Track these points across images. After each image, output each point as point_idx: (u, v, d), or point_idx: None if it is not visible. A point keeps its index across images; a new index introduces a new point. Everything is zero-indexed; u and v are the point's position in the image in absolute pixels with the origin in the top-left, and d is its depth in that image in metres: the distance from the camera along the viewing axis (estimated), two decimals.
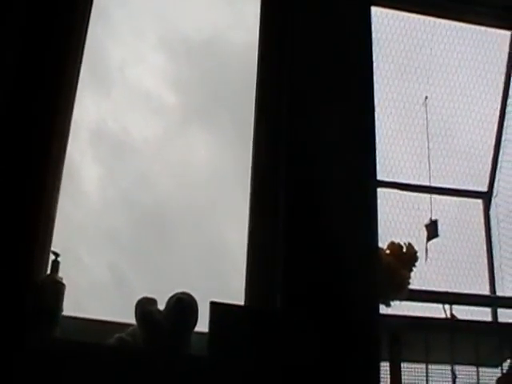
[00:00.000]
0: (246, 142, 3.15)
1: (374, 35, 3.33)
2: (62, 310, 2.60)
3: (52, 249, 2.73)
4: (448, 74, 3.92)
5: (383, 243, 3.26)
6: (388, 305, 3.13)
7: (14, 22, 3.01)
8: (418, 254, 3.30)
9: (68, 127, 3.01)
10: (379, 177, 3.21)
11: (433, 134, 3.80)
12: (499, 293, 3.68)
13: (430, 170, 3.76)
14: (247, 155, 3.12)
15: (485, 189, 3.94)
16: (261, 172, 3.08)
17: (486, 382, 3.25)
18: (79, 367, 2.40)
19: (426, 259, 3.56)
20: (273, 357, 2.59)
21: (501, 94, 3.98)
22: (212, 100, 3.46)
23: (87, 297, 2.93)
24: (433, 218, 3.67)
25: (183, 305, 2.63)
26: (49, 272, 2.67)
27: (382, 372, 2.86)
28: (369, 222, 2.96)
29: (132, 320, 2.64)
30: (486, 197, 3.92)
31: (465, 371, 3.25)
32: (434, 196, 3.77)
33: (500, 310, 3.57)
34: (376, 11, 3.62)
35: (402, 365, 3.09)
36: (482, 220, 3.87)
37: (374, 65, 3.28)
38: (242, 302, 2.87)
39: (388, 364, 3.05)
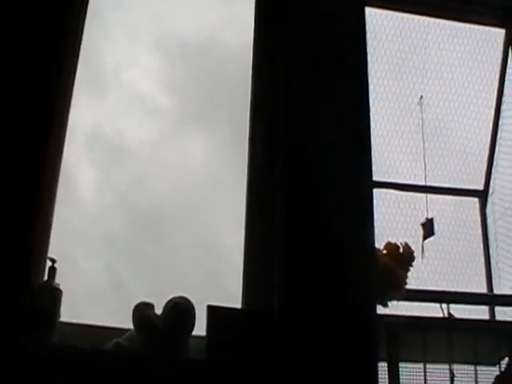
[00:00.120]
0: (241, 143, 3.15)
1: (368, 35, 3.34)
2: (59, 316, 2.61)
3: (49, 255, 2.74)
4: (443, 72, 3.92)
5: (380, 243, 3.27)
6: (385, 305, 3.14)
7: (9, 26, 3.01)
8: (415, 254, 3.31)
9: (64, 132, 3.01)
10: (375, 177, 3.21)
11: (428, 133, 3.81)
12: (496, 291, 3.68)
13: (425, 169, 3.76)
14: (243, 156, 3.12)
15: (481, 187, 3.94)
16: (257, 173, 3.09)
17: (484, 380, 3.24)
18: (77, 373, 2.40)
19: (423, 258, 3.56)
20: (271, 359, 2.60)
21: (495, 92, 3.98)
22: (207, 101, 3.47)
23: (84, 301, 2.93)
24: (429, 217, 3.67)
25: (180, 309, 2.63)
26: (46, 278, 2.67)
27: (380, 372, 2.87)
28: (365, 222, 2.97)
29: (129, 325, 2.65)
30: (482, 195, 3.92)
31: (463, 370, 3.25)
32: (430, 195, 3.77)
33: (497, 308, 3.56)
34: (370, 11, 3.62)
35: (400, 365, 3.09)
36: (479, 218, 3.87)
37: (369, 65, 3.29)
38: (239, 304, 2.87)
39: (386, 364, 3.04)
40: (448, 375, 3.21)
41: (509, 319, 3.49)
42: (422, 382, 3.17)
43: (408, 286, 3.24)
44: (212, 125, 3.45)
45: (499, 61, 3.95)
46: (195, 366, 2.56)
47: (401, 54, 3.85)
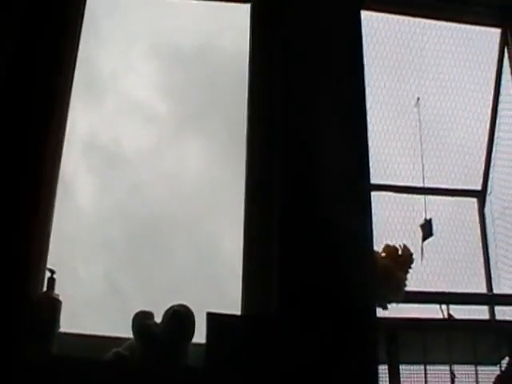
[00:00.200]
0: (239, 147, 3.16)
1: (364, 38, 3.34)
2: (58, 327, 2.62)
3: (48, 265, 2.75)
4: (439, 73, 3.92)
5: (380, 246, 3.27)
6: (385, 308, 3.15)
7: (4, 36, 3.02)
8: (414, 256, 3.31)
9: (62, 140, 3.03)
10: (373, 180, 3.22)
11: (425, 134, 3.81)
12: (496, 290, 3.68)
13: (423, 170, 3.76)
14: (241, 161, 3.13)
15: (479, 187, 3.94)
16: (255, 178, 3.10)
17: (485, 380, 3.25)
18: (77, 383, 2.41)
19: (422, 259, 3.57)
20: (271, 364, 2.61)
21: (492, 92, 3.98)
22: (204, 107, 3.47)
23: (83, 310, 2.93)
24: (427, 218, 3.68)
25: (180, 317, 2.64)
26: (45, 289, 2.68)
27: (380, 375, 2.88)
28: (364, 225, 2.97)
29: (129, 334, 2.66)
30: (481, 195, 3.92)
31: (463, 371, 3.25)
32: (429, 197, 3.77)
33: (497, 308, 3.57)
34: (366, 14, 3.62)
35: (400, 367, 3.09)
36: (477, 218, 3.87)
37: (366, 68, 3.29)
38: (239, 310, 2.88)
39: (387, 367, 3.05)
40: (449, 376, 3.21)
41: (509, 318, 3.49)
42: (423, 383, 3.17)
43: (407, 288, 3.24)
44: (209, 130, 3.46)
45: (495, 60, 3.96)
46: (195, 374, 2.56)
47: (397, 56, 3.85)
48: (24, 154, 2.84)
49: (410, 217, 3.69)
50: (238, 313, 2.86)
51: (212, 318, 2.64)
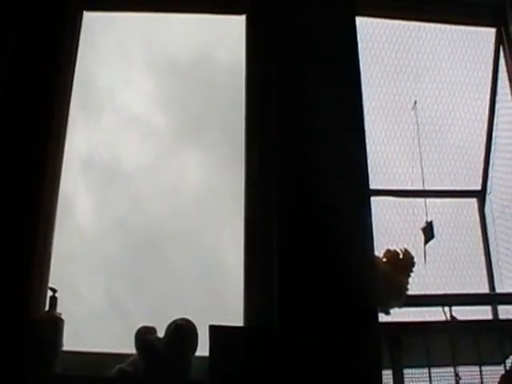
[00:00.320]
0: (238, 159, 3.17)
1: (360, 44, 3.36)
2: (61, 346, 2.63)
3: (49, 284, 2.76)
4: (435, 75, 3.93)
5: (381, 251, 3.28)
6: (387, 313, 3.15)
7: (2, 52, 3.04)
8: (416, 259, 3.32)
9: (61, 158, 3.05)
10: (373, 185, 3.23)
11: (424, 137, 3.81)
12: (499, 289, 3.69)
13: (422, 173, 3.76)
14: (240, 173, 3.14)
15: (478, 187, 3.95)
16: (255, 189, 3.11)
17: (490, 380, 3.25)
18: None
19: (425, 262, 3.57)
20: (274, 374, 2.62)
21: (489, 92, 3.98)
22: (202, 119, 3.48)
23: (86, 327, 2.93)
24: (428, 220, 3.68)
25: (182, 331, 2.66)
26: (47, 308, 2.70)
27: (385, 380, 2.89)
28: (364, 232, 2.98)
29: (132, 349, 2.67)
30: (480, 195, 3.93)
31: (468, 371, 3.26)
32: (429, 199, 3.77)
33: (501, 307, 3.58)
34: (362, 20, 3.62)
35: (404, 371, 3.10)
36: (478, 218, 3.88)
37: (362, 74, 3.30)
38: (241, 321, 2.90)
39: (391, 372, 3.06)
40: (453, 378, 3.22)
41: None
42: None
43: (410, 292, 3.24)
44: (208, 143, 3.46)
45: (491, 60, 3.96)
46: None
47: (393, 60, 3.85)
48: (23, 173, 2.86)
49: (410, 220, 3.69)
50: (241, 324, 2.88)
51: (214, 330, 2.65)
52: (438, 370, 3.21)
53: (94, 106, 3.45)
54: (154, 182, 3.35)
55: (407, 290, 3.24)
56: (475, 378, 3.24)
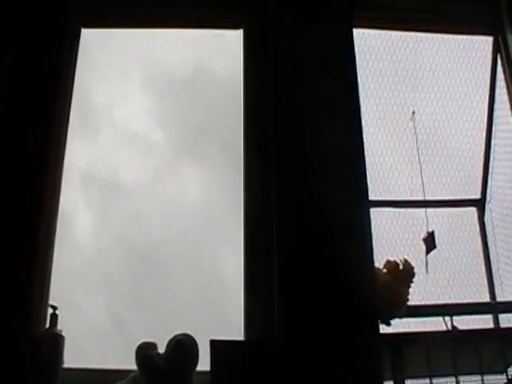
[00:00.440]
0: (236, 172, 3.18)
1: (358, 56, 3.37)
2: (62, 363, 2.64)
3: (50, 301, 2.77)
4: (433, 85, 3.93)
5: (382, 262, 3.28)
6: (388, 324, 3.15)
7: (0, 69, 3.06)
8: (417, 269, 3.31)
9: (60, 175, 3.05)
10: (372, 196, 3.24)
11: (423, 147, 3.81)
12: (499, 298, 3.68)
13: (423, 183, 3.77)
14: (239, 186, 3.14)
15: (478, 196, 3.95)
16: (254, 203, 3.12)
17: None
18: None
19: (427, 272, 3.57)
20: None
21: (487, 100, 3.99)
22: (201, 134, 3.48)
23: (87, 344, 2.93)
24: (429, 230, 3.68)
25: (183, 347, 2.66)
26: (48, 325, 2.70)
27: None
28: (364, 243, 2.99)
29: (133, 365, 2.67)
30: (480, 204, 3.92)
31: (470, 381, 3.25)
32: (429, 209, 3.77)
33: (502, 315, 3.57)
34: (359, 32, 3.64)
35: (406, 382, 3.10)
36: (478, 227, 3.88)
37: (360, 85, 3.31)
38: (242, 335, 2.91)
39: (392, 383, 3.05)
40: None
41: None
42: None
43: (411, 302, 3.25)
44: (207, 157, 3.47)
45: (488, 69, 3.96)
46: None
47: (391, 71, 3.86)
48: (22, 191, 2.87)
49: (410, 231, 3.69)
50: (241, 338, 2.89)
51: (215, 345, 2.66)
52: (440, 381, 3.21)
53: (92, 122, 3.47)
54: (153, 198, 3.36)
55: (407, 300, 3.23)
56: None
